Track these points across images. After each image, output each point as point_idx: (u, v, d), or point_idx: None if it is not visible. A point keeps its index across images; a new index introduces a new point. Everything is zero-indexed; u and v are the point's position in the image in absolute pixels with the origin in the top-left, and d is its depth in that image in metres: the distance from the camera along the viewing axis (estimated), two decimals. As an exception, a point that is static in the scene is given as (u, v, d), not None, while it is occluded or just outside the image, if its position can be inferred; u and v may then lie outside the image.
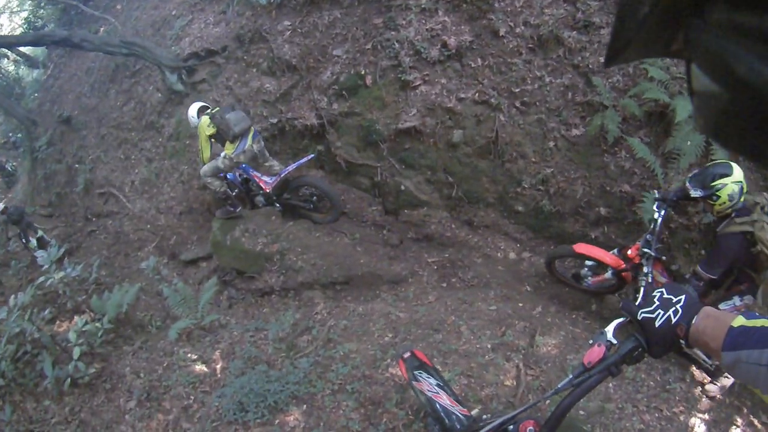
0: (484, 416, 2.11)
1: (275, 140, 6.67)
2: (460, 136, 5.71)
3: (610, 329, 1.38)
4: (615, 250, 4.56)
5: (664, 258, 4.28)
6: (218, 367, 4.68)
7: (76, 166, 9.26)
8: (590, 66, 5.31)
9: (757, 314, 1.03)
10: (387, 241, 5.99)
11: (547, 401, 3.14)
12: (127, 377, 4.82)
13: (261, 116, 6.76)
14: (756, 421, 3.93)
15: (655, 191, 4.41)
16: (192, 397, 4.41)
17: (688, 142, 4.69)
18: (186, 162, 7.51)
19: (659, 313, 1.20)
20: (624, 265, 4.40)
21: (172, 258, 7.06)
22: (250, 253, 5.99)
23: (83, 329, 4.94)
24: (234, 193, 6.32)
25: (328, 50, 6.47)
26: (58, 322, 5.56)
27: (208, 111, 6.02)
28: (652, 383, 3.98)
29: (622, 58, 0.45)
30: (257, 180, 6.22)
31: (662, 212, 4.09)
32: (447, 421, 2.28)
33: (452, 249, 5.87)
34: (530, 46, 5.52)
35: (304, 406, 3.90)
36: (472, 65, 5.64)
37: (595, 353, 1.33)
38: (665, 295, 1.22)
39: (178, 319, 5.39)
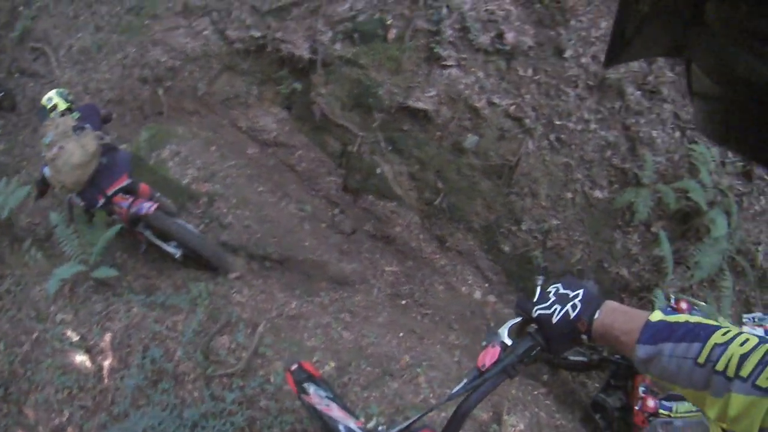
0: (380, 428, 1.90)
1: (247, 57, 5.23)
2: (473, 143, 4.76)
3: (503, 329, 1.29)
4: None
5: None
6: (106, 365, 3.52)
7: (21, 8, 7.23)
8: (641, 134, 4.68)
9: (672, 311, 1.16)
10: (337, 224, 4.87)
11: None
12: None
13: (242, 24, 5.29)
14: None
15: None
16: (65, 414, 3.35)
17: (708, 259, 4.34)
18: (136, 44, 5.81)
19: (556, 308, 1.15)
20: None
21: None
22: (174, 184, 4.62)
23: None
24: None
25: None
26: None
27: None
28: None
29: (622, 58, 0.45)
30: None
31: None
32: None
33: (413, 263, 4.92)
34: (590, 83, 4.74)
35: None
36: (521, 72, 4.72)
37: (489, 355, 1.23)
38: (561, 291, 1.19)
39: (64, 260, 4.05)
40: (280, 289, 4.31)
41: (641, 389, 2.99)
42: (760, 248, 4.81)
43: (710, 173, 4.58)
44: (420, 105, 4.74)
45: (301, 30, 5.14)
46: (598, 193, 4.72)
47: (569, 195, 4.73)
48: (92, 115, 4.13)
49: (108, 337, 3.61)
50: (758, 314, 3.40)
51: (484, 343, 1.28)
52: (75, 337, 3.66)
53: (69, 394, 3.42)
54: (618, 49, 0.44)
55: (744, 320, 3.32)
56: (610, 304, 1.14)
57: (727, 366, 0.87)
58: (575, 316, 1.13)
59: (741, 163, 4.77)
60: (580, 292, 1.16)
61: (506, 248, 4.89)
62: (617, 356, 3.32)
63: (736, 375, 0.85)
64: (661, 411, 2.84)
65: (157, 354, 3.44)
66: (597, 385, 4.12)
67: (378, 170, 4.90)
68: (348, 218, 4.87)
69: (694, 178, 4.58)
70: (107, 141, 3.97)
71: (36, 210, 4.67)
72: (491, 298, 4.79)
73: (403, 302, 4.62)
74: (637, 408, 2.96)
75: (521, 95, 4.71)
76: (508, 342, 1.27)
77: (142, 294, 4.02)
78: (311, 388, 2.43)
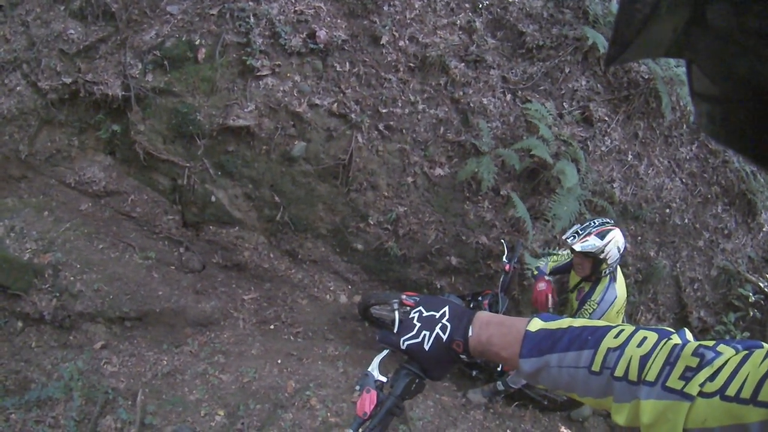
0: None
1: (63, 106, 4.93)
2: (301, 150, 4.67)
3: (374, 368, 1.21)
4: None
5: None
6: None
7: None
8: (471, 105, 4.65)
9: (551, 314, 0.98)
10: (185, 263, 4.75)
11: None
12: None
13: (53, 72, 4.95)
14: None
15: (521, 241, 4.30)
16: None
17: (565, 208, 4.48)
18: None
19: (425, 334, 1.06)
20: None
21: None
22: (16, 263, 4.39)
23: None
24: None
25: (161, 4, 4.90)
26: None
27: None
28: None
29: (622, 58, 0.45)
30: None
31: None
32: None
33: (270, 284, 4.90)
34: (411, 64, 4.66)
35: None
36: (338, 68, 4.60)
37: (368, 401, 1.13)
38: (425, 314, 1.10)
39: None
40: (147, 347, 4.24)
41: None
42: (614, 185, 4.93)
43: (549, 127, 4.63)
44: (241, 122, 4.58)
45: (111, 67, 4.85)
46: (439, 171, 4.74)
47: (410, 179, 4.73)
48: None
49: None
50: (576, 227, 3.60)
51: (357, 388, 1.19)
52: None
53: None
54: (619, 50, 0.43)
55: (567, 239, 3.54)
56: (482, 317, 1.05)
57: (627, 370, 0.81)
58: (447, 339, 1.04)
59: (578, 111, 4.82)
60: (446, 310, 1.08)
61: (359, 246, 4.90)
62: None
63: (641, 379, 0.79)
64: None
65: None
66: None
67: (212, 198, 4.78)
68: (195, 254, 4.77)
69: (534, 135, 4.62)
70: None
71: None
72: (357, 298, 4.83)
73: (272, 327, 4.61)
74: None
75: (342, 91, 4.61)
76: (383, 380, 1.19)
77: (17, 391, 3.83)
78: None
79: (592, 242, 3.41)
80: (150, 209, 4.82)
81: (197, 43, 4.67)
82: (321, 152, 4.65)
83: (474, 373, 4.34)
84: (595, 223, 3.53)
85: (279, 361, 4.15)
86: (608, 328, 0.89)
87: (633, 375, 0.80)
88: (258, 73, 4.63)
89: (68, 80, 4.92)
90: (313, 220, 4.84)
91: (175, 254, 4.71)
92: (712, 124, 0.41)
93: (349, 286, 4.97)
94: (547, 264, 4.06)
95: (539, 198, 4.79)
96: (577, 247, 3.43)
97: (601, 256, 3.45)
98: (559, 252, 4.29)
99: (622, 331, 0.87)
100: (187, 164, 4.71)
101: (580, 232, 3.48)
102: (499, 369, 4.00)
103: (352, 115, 4.60)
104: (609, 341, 0.86)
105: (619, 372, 0.82)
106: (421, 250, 4.87)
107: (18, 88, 5.11)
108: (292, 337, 4.57)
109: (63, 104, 4.95)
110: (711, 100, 0.40)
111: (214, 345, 4.32)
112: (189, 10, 4.81)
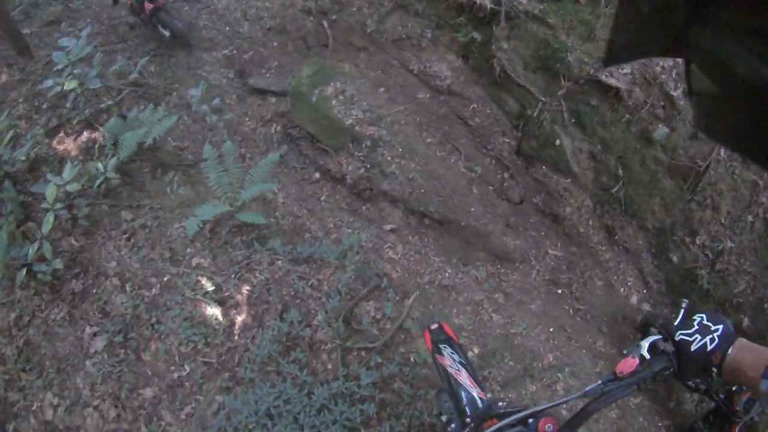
0: (500, 403, 1.91)
1: (420, -3, 4.84)
2: (663, 136, 4.27)
3: (645, 344, 1.34)
4: None
5: None
6: (239, 321, 3.19)
7: None
8: None
9: None
10: (505, 190, 4.46)
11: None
12: (106, 284, 3.31)
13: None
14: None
15: None
16: (186, 369, 3.05)
17: None
18: None
19: (697, 337, 1.20)
20: None
21: (239, 76, 5.11)
22: (336, 124, 4.34)
23: (67, 185, 3.39)
24: None
25: None
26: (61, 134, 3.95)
27: None
28: None
29: (622, 57, 0.45)
30: None
31: None
32: (463, 400, 2.10)
33: (577, 249, 4.50)
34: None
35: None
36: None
37: (628, 364, 1.27)
38: (705, 322, 1.22)
39: (208, 195, 3.72)
40: (435, 252, 4.01)
41: None
42: None
43: None
44: (612, 81, 4.27)
45: (485, -25, 4.74)
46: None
47: (750, 218, 4.23)
48: None
49: (245, 290, 3.27)
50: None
51: (625, 352, 1.34)
52: (209, 287, 3.28)
53: (194, 348, 3.09)
54: (618, 49, 0.43)
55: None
56: (743, 342, 1.17)
57: None
58: (712, 349, 1.18)
59: None
60: (721, 327, 1.21)
61: (674, 258, 4.44)
62: (722, 396, 3.22)
63: None
64: None
65: (295, 316, 3.09)
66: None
67: (557, 141, 4.48)
68: (517, 185, 4.48)
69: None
70: None
71: (186, 134, 4.40)
72: (646, 306, 4.38)
73: (559, 291, 4.24)
74: None
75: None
76: (647, 356, 1.32)
77: (290, 234, 3.74)
78: (446, 350, 2.44)
79: None
80: (489, 124, 4.61)
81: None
82: (680, 147, 4.26)
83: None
84: None
85: (550, 329, 3.78)
86: None
87: None
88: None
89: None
90: (645, 210, 4.44)
91: (498, 177, 4.47)
92: (710, 122, 0.40)
93: (645, 291, 4.51)
94: None
95: None
96: None
97: None
98: None
99: None
100: (543, 98, 4.45)
101: None
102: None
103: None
104: None
105: None
106: (724, 294, 4.36)
107: (376, -34, 5.11)
108: (572, 311, 4.19)
109: (421, -5, 4.89)
110: (710, 99, 0.39)
111: (500, 282, 4.01)
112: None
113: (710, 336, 1.19)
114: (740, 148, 0.38)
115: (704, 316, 1.25)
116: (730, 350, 1.16)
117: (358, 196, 4.27)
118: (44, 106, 4.36)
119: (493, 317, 3.63)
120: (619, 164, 4.44)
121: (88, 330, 3.21)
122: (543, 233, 4.44)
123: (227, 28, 5.56)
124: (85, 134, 4.13)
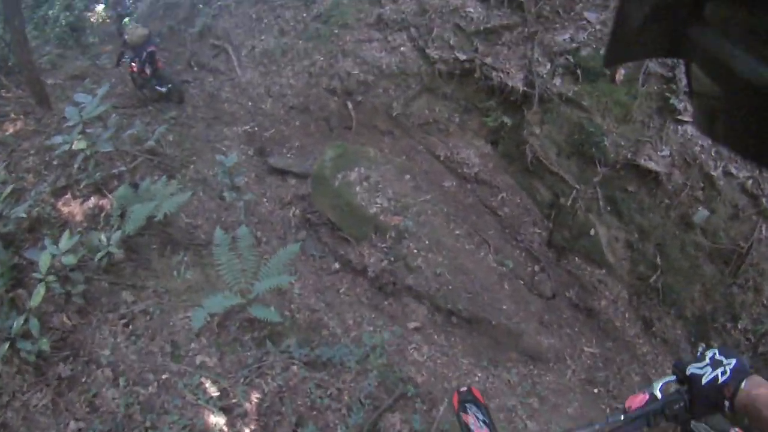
0: None
1: (450, 80, 4.75)
2: (702, 218, 4.09)
3: (658, 383, 1.31)
4: None
5: None
6: None
7: (200, 6, 7.28)
8: None
9: None
10: (536, 285, 4.27)
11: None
12: (97, 374, 3.05)
13: (445, 43, 4.80)
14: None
15: None
16: None
17: None
18: (324, 53, 5.47)
19: (707, 370, 1.18)
20: None
21: (259, 153, 5.11)
22: (359, 212, 4.21)
23: (62, 256, 3.13)
24: None
25: (577, 8, 4.62)
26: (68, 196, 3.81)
27: None
28: None
29: (622, 58, 0.44)
30: None
31: None
32: None
33: (613, 344, 4.24)
34: None
35: None
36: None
37: (638, 399, 1.27)
38: (717, 356, 1.19)
39: (219, 284, 3.51)
40: (464, 353, 3.79)
41: None
42: None
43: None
44: (652, 165, 4.07)
45: (515, 58, 4.62)
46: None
47: None
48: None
49: (255, 398, 2.96)
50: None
51: (637, 391, 1.33)
52: (214, 391, 2.98)
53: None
54: (618, 49, 0.42)
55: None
56: (757, 378, 1.12)
57: None
58: (723, 382, 1.14)
59: None
60: (733, 361, 1.17)
61: (715, 345, 4.12)
62: None
63: None
64: None
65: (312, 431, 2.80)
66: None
67: (591, 231, 4.27)
68: (549, 279, 4.27)
69: None
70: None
71: (200, 211, 4.27)
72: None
73: (596, 390, 4.00)
74: None
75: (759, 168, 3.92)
76: (658, 395, 1.30)
77: (306, 331, 3.50)
78: (471, 409, 2.03)
79: None
80: (518, 214, 4.44)
81: (619, 60, 4.29)
82: (721, 229, 4.02)
83: None
84: None
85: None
86: None
87: None
88: (678, 117, 4.13)
89: (462, 56, 4.76)
90: (684, 298, 4.19)
91: (528, 270, 4.27)
92: (711, 124, 0.40)
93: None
94: None
95: None
96: None
97: None
98: None
99: None
100: (577, 186, 4.28)
101: None
102: None
103: (764, 200, 3.92)
104: None
105: None
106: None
107: (402, 48, 5.05)
108: (609, 411, 3.88)
109: (451, 78, 4.80)
110: (710, 100, 0.38)
111: (534, 384, 3.77)
112: (608, 21, 4.46)
113: (722, 369, 1.15)
114: (741, 149, 0.37)
115: (717, 351, 1.20)
116: (743, 384, 1.10)
117: (380, 290, 4.11)
118: (54, 163, 4.24)
119: (527, 425, 3.39)
120: (657, 252, 4.23)
121: (72, 425, 2.90)
122: (577, 329, 4.21)
123: (249, 104, 5.58)
124: (93, 200, 4.00)
